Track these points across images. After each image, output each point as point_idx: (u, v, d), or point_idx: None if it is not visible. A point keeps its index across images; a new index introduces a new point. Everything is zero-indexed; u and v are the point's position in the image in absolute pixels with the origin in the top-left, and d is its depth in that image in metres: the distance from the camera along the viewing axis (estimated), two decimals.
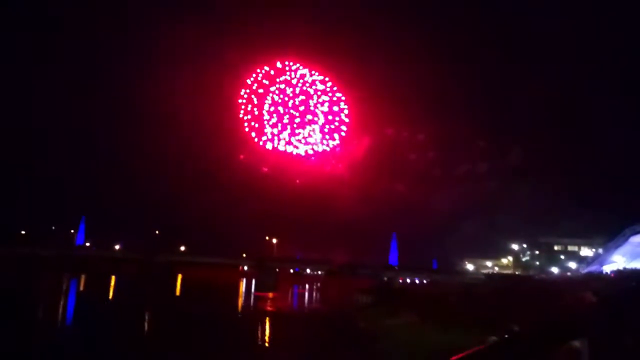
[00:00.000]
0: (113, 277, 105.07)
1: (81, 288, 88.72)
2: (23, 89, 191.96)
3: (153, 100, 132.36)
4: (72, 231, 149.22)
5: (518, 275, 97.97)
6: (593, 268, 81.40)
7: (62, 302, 61.81)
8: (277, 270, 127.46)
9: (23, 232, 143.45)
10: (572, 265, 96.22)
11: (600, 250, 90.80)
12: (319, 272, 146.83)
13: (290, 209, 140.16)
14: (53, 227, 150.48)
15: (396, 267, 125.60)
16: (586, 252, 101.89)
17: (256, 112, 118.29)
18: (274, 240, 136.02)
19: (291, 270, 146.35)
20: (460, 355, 6.72)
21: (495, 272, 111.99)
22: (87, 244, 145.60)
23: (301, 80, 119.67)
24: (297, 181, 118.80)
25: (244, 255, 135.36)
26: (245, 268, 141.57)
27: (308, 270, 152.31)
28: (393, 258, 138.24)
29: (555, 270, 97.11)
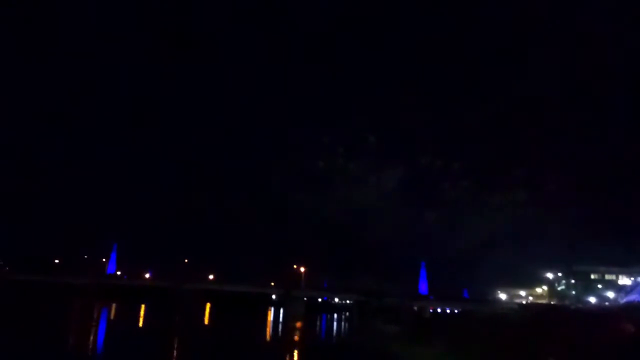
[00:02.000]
0: (143, 306, 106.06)
1: (111, 317, 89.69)
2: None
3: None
4: (104, 260, 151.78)
5: (553, 305, 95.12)
6: (632, 297, 78.90)
7: (92, 330, 62.55)
8: (305, 299, 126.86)
9: (57, 261, 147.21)
10: (610, 294, 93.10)
11: None
12: (347, 301, 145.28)
13: (318, 238, 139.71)
14: (85, 256, 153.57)
15: (426, 296, 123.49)
16: (624, 280, 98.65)
17: None
18: (302, 269, 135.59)
19: (319, 299, 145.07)
20: None
21: (529, 301, 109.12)
22: (118, 273, 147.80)
23: None
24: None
25: (272, 284, 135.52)
26: (274, 297, 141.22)
27: (336, 299, 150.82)
28: (423, 287, 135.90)
29: (592, 299, 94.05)
